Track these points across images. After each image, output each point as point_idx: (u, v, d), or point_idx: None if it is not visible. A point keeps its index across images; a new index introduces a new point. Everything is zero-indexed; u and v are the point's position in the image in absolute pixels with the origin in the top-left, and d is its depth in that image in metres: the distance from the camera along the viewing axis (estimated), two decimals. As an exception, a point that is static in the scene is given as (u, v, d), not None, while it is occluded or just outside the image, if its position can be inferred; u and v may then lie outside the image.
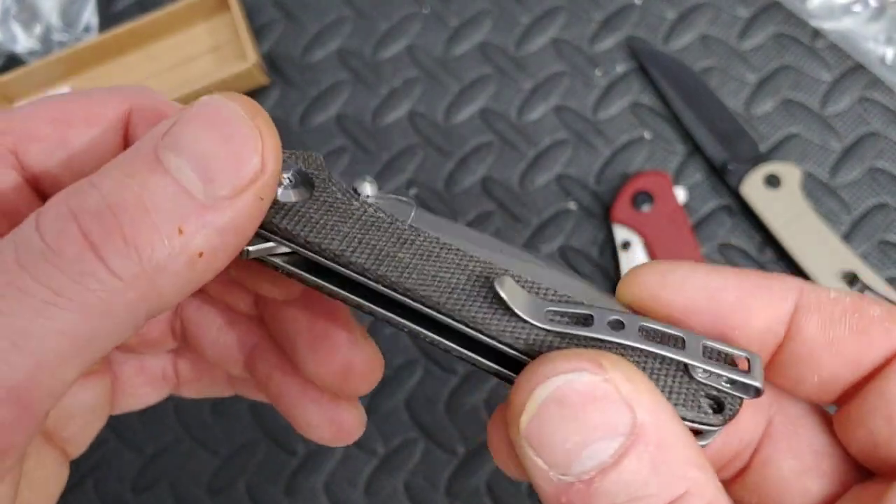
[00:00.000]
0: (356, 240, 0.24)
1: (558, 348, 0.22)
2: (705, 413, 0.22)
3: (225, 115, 0.21)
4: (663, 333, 0.23)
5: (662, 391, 0.22)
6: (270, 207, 0.23)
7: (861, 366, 0.23)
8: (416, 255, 0.24)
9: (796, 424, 0.25)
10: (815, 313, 0.23)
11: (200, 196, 0.20)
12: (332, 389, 0.30)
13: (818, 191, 0.60)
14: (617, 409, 0.19)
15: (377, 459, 0.55)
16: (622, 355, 0.22)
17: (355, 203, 0.25)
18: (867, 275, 0.56)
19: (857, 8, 0.65)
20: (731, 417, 0.23)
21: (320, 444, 0.31)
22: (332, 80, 0.66)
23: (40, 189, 0.26)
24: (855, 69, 0.63)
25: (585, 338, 0.22)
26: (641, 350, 0.22)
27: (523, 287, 0.24)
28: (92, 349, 0.20)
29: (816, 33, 0.64)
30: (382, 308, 0.24)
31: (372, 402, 0.56)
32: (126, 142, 0.26)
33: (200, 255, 0.20)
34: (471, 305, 0.23)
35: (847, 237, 0.59)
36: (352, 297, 0.25)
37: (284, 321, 0.30)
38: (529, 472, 0.20)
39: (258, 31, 0.68)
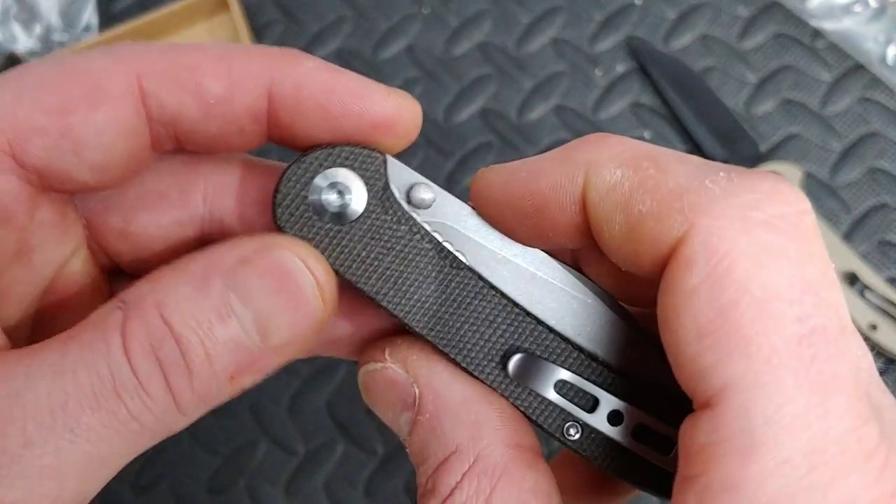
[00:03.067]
0: (392, 279, 0.24)
1: (558, 421, 0.24)
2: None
3: (288, 268, 0.22)
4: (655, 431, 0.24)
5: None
6: (319, 221, 0.24)
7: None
8: (447, 302, 0.24)
9: None
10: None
11: (256, 348, 0.22)
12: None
13: (818, 191, 0.60)
14: (402, 388, 0.24)
15: (377, 460, 0.55)
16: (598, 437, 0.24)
17: (403, 227, 0.24)
18: (867, 275, 0.56)
19: (858, 8, 0.65)
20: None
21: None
22: (332, 79, 0.66)
23: (47, 185, 0.24)
24: (855, 69, 0.63)
25: (584, 423, 0.24)
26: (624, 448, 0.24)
27: (540, 356, 0.24)
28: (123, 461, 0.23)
29: (816, 33, 0.64)
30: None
31: (372, 402, 0.56)
32: (148, 117, 0.23)
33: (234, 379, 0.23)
34: (486, 365, 0.24)
35: (847, 237, 0.59)
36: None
37: None
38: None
39: (258, 31, 0.68)
